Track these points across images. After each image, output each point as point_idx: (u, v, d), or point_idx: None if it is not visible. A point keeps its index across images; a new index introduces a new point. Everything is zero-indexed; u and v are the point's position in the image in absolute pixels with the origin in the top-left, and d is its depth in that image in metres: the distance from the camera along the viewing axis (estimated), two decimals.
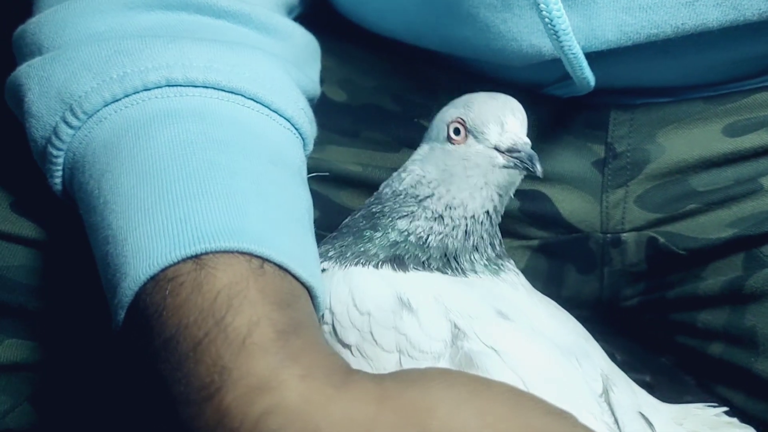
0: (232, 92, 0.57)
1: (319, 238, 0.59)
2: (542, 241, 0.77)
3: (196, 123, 0.54)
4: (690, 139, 0.73)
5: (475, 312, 0.53)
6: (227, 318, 0.45)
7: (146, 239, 0.48)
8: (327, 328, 0.54)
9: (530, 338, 0.54)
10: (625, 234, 0.75)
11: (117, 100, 0.55)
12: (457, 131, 0.58)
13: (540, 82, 0.75)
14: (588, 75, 0.66)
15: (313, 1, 0.78)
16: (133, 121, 0.54)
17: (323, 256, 0.57)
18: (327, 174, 0.73)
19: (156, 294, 0.47)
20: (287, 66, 0.62)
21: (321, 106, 0.70)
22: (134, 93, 0.55)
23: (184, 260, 0.47)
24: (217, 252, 0.47)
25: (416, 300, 0.53)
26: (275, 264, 0.48)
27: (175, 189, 0.50)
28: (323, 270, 0.56)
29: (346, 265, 0.56)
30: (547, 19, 0.62)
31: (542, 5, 0.61)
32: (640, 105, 0.74)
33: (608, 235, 0.76)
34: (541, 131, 0.75)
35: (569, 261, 0.78)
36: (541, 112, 0.75)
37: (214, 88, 0.56)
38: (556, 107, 0.75)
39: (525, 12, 0.65)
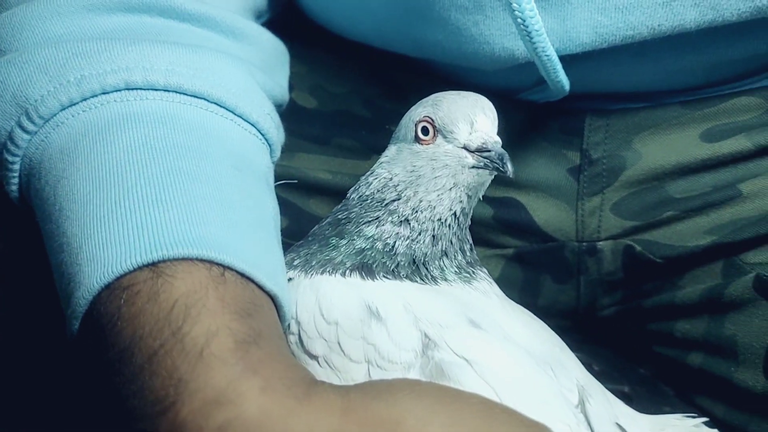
0: (194, 96, 0.56)
1: (287, 247, 0.58)
2: (517, 249, 0.76)
3: (157, 127, 0.53)
4: (667, 145, 0.72)
5: (447, 321, 0.52)
6: (184, 328, 0.43)
7: (101, 247, 0.47)
8: (293, 338, 0.53)
9: (503, 348, 0.52)
10: (601, 242, 0.74)
11: (74, 104, 0.53)
12: (425, 131, 0.56)
13: (514, 87, 0.74)
14: (563, 79, 0.66)
15: (282, 7, 0.77)
16: (90, 126, 0.52)
17: (288, 265, 0.56)
18: (295, 182, 0.72)
19: (110, 303, 0.45)
20: (253, 70, 0.61)
21: (291, 113, 0.70)
22: (92, 96, 0.53)
23: (141, 268, 0.46)
24: (175, 260, 0.46)
25: (385, 309, 0.52)
26: (237, 272, 0.47)
27: (133, 195, 0.49)
28: (289, 279, 0.55)
29: (311, 274, 0.55)
30: (519, 20, 0.61)
31: (515, 5, 0.61)
32: (616, 110, 0.74)
33: (584, 244, 0.75)
34: (516, 137, 0.74)
35: (545, 270, 0.77)
36: (516, 118, 0.74)
37: (176, 92, 0.55)
38: (531, 113, 0.75)
39: (497, 14, 0.64)
